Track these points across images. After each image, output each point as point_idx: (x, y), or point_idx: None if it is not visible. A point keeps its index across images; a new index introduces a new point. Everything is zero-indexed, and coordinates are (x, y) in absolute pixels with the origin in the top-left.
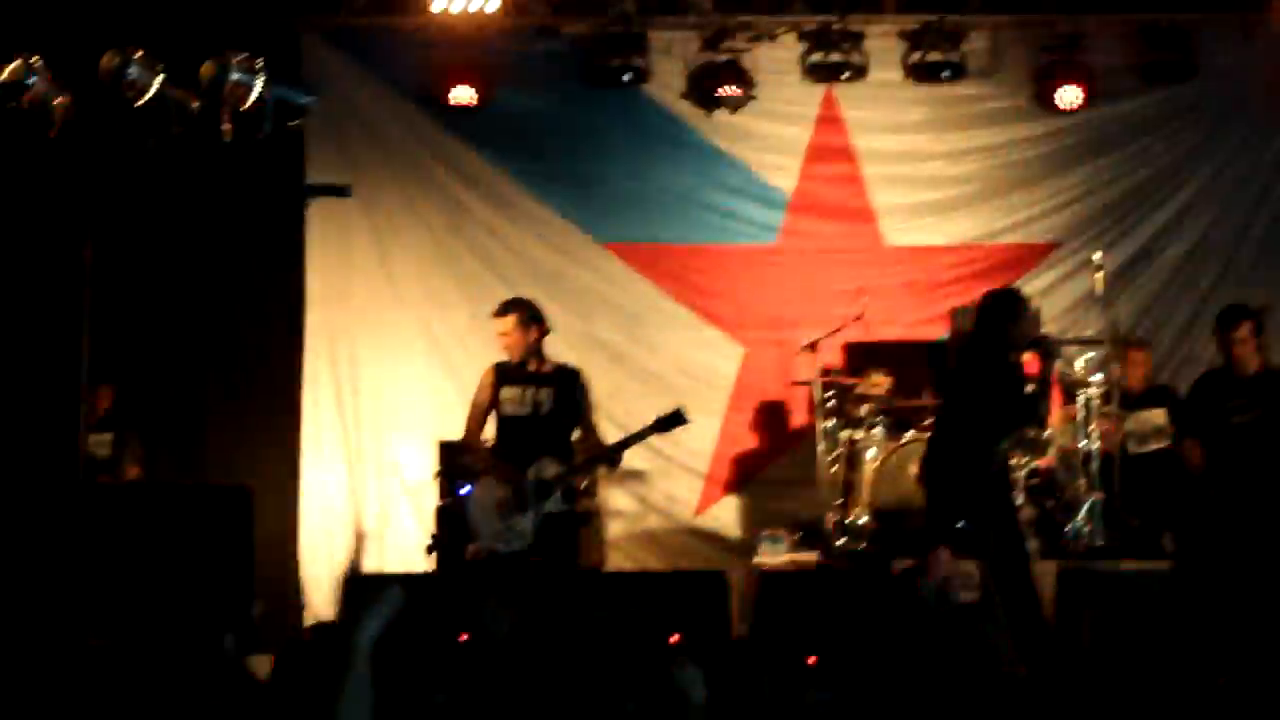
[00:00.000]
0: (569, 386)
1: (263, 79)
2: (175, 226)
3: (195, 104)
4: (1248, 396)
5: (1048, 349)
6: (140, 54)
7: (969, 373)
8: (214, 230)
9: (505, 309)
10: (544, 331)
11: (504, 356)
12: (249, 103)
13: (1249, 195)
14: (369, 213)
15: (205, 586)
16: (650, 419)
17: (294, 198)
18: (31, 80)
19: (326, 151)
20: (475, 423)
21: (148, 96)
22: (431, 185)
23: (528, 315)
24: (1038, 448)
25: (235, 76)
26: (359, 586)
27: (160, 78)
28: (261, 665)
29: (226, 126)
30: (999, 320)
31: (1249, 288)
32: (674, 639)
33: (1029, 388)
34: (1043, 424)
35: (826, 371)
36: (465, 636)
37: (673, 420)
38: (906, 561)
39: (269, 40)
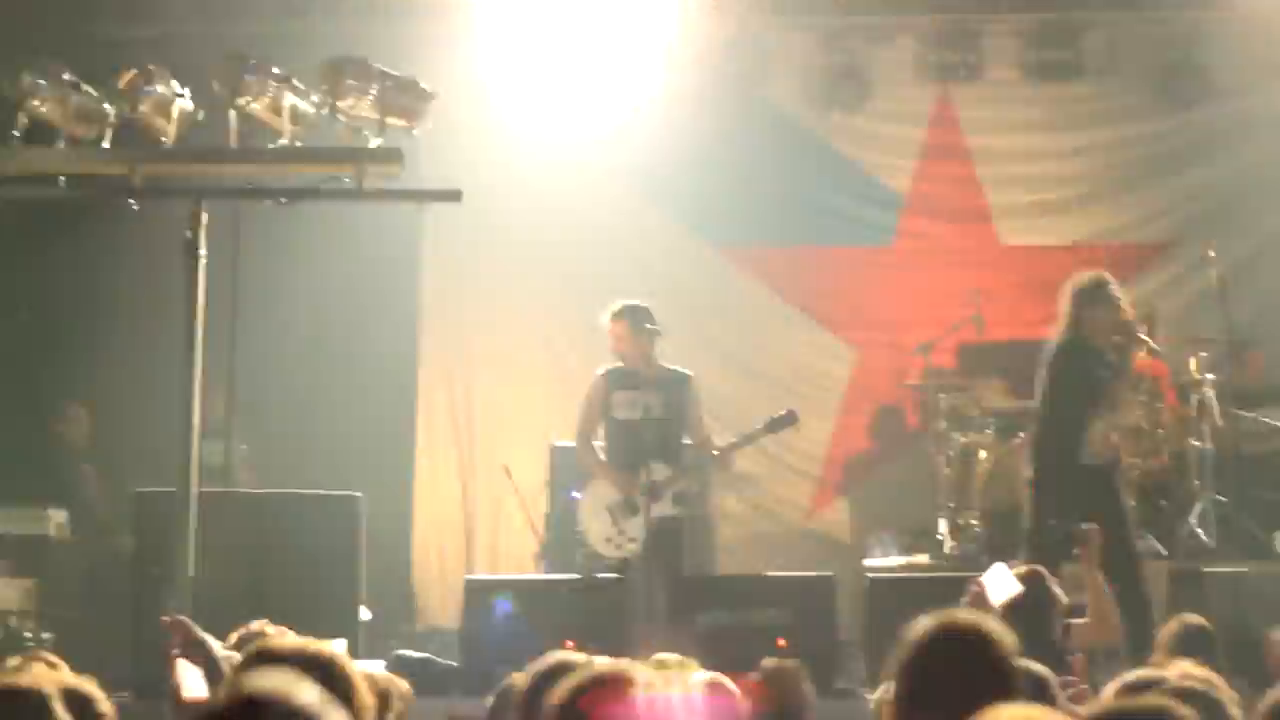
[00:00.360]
0: (679, 390)
1: (380, 81)
2: (290, 234)
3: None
4: None
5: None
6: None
7: (1051, 363)
8: (333, 235)
9: (618, 314)
10: (654, 336)
11: (616, 362)
12: (365, 108)
13: None
14: (482, 218)
15: (315, 593)
16: (761, 422)
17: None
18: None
19: (441, 155)
20: (587, 427)
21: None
22: (545, 190)
23: (639, 319)
24: (1147, 444)
25: (350, 82)
26: (478, 593)
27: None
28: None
29: None
30: (1075, 306)
31: None
32: (780, 643)
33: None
34: (1114, 410)
35: (939, 373)
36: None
37: (783, 422)
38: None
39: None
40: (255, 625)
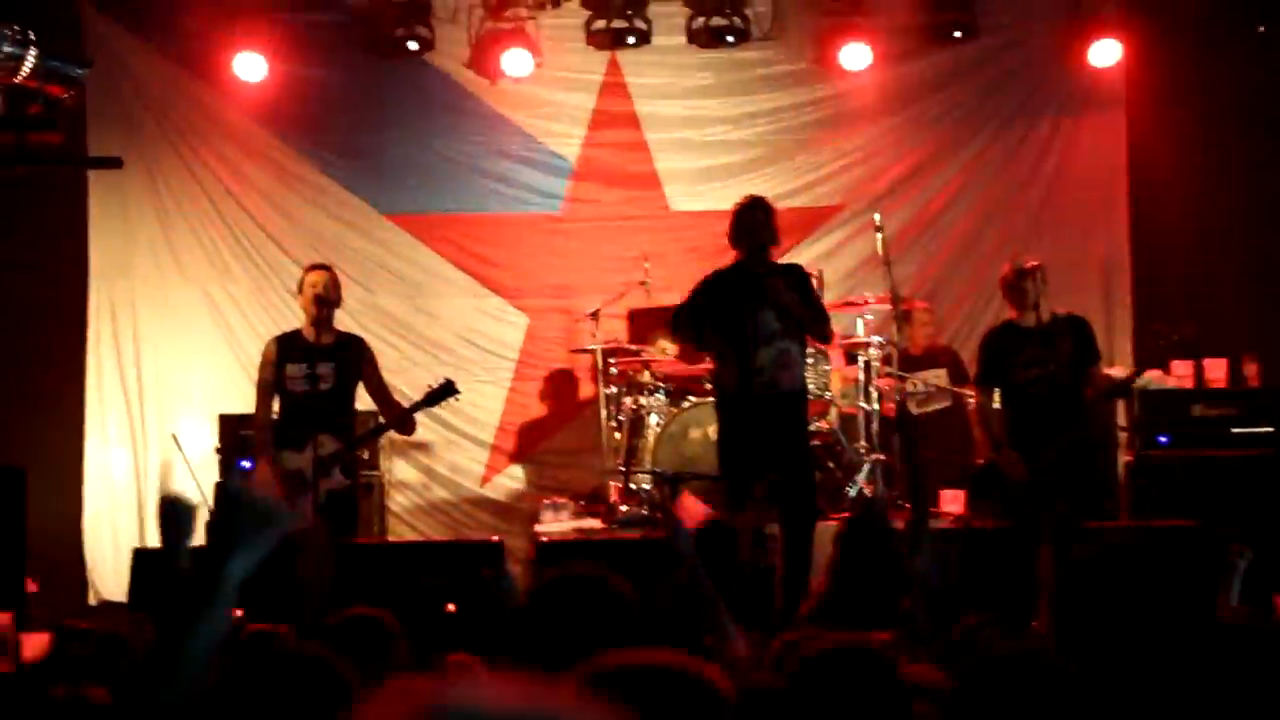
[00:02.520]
0: (352, 357)
1: (35, 51)
2: None
3: None
4: (1036, 348)
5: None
6: None
7: None
8: None
9: (322, 265)
10: (337, 302)
11: (285, 328)
12: (21, 75)
13: (1029, 156)
14: (150, 184)
15: None
16: (420, 394)
17: (74, 171)
18: None
19: (108, 123)
20: (262, 398)
21: None
22: (212, 156)
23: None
24: (815, 406)
25: (6, 49)
26: (145, 559)
27: None
28: (37, 643)
29: None
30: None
31: (1030, 248)
32: (450, 608)
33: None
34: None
35: (610, 338)
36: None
37: (443, 393)
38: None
39: (47, 11)
40: None
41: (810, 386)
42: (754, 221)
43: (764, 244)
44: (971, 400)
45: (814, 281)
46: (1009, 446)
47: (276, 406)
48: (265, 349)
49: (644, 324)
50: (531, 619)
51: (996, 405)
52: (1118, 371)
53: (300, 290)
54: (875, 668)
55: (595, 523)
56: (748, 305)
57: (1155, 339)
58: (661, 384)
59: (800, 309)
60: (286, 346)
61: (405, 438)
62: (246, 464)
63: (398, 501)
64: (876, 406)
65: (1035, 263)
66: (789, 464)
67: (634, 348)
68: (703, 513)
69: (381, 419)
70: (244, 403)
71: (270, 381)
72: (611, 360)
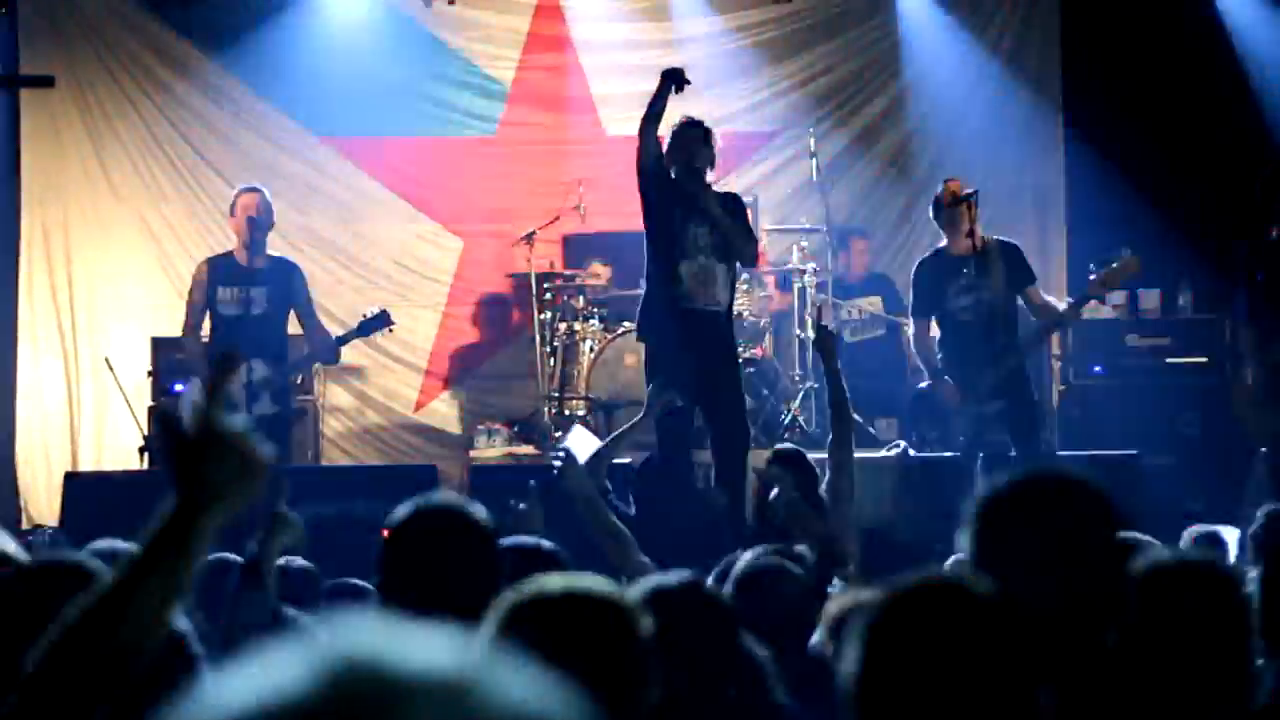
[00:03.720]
0: (284, 281)
1: None
2: None
3: None
4: (970, 275)
5: None
6: None
7: None
8: None
9: (254, 188)
10: (269, 225)
11: (218, 250)
12: None
13: (963, 84)
14: (82, 105)
15: None
16: (366, 313)
17: (5, 90)
18: None
19: (40, 42)
20: (191, 321)
21: None
22: (144, 76)
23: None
24: (750, 332)
25: None
26: (77, 487)
27: None
28: None
29: None
30: None
31: (965, 175)
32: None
33: None
34: None
35: (544, 263)
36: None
37: (377, 322)
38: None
39: None
40: None
41: (745, 312)
42: (689, 139)
43: (700, 165)
44: (908, 328)
45: (747, 208)
46: (945, 374)
47: (206, 329)
48: (197, 270)
49: (579, 249)
50: (397, 552)
51: (933, 334)
52: (1056, 302)
53: (232, 213)
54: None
55: (529, 448)
56: (679, 215)
57: (1101, 270)
58: (596, 310)
59: (730, 229)
60: (218, 269)
61: (336, 362)
62: (180, 386)
63: (332, 427)
64: (811, 333)
65: (971, 189)
66: (718, 388)
67: (569, 272)
68: (595, 445)
69: (307, 347)
70: (177, 326)
71: (200, 304)
72: (546, 285)
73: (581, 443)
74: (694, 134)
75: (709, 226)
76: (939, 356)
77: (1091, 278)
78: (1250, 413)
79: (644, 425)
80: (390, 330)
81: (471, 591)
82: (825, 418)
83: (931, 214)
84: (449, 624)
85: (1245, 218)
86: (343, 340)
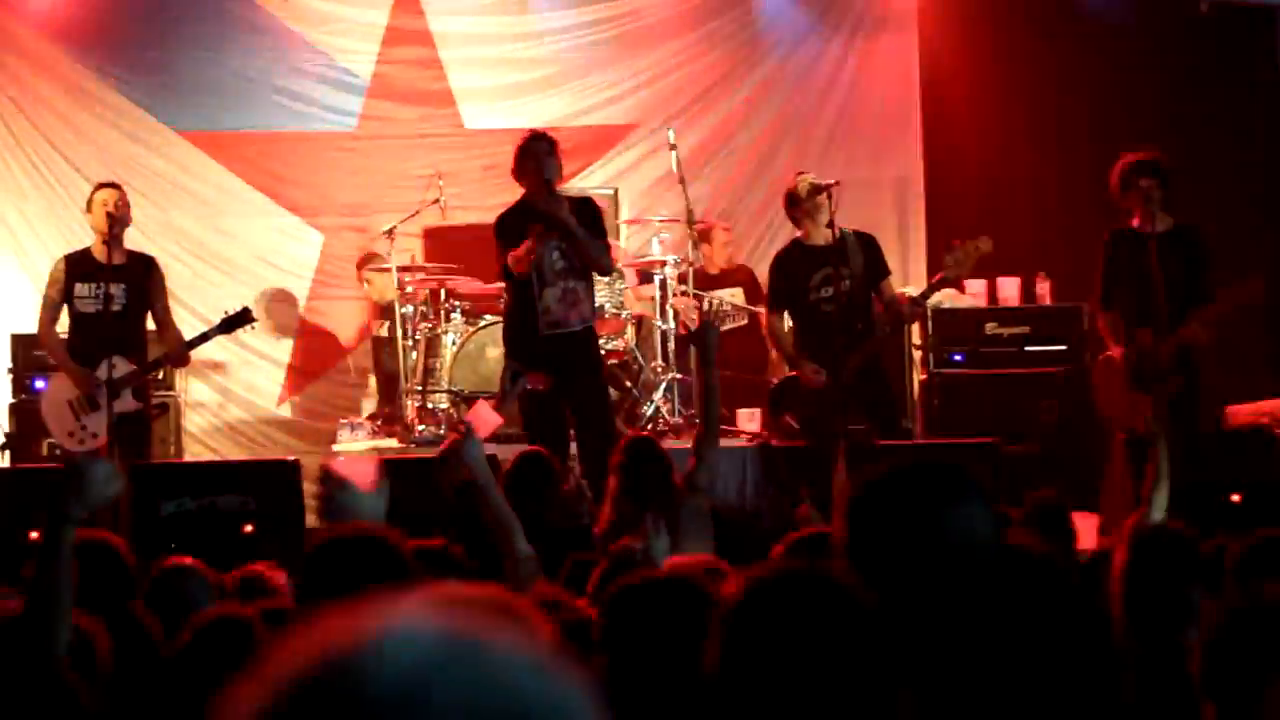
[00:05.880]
0: (141, 277)
1: None
2: None
3: None
4: (827, 267)
5: None
6: None
7: None
8: None
9: (112, 184)
10: (127, 221)
11: (78, 247)
12: None
13: (823, 75)
14: None
15: None
16: (227, 310)
17: None
18: None
19: None
20: (47, 317)
21: None
22: (1, 72)
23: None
24: (612, 324)
25: None
26: None
27: None
28: None
29: None
30: None
31: (824, 167)
32: (247, 529)
33: None
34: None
35: (403, 257)
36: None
37: (239, 320)
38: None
39: None
40: None
41: (606, 305)
42: (537, 154)
43: (549, 179)
44: (764, 320)
45: (602, 212)
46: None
47: (65, 326)
48: (54, 267)
49: (439, 242)
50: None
51: (787, 325)
52: (911, 291)
53: (89, 209)
54: (691, 596)
55: (392, 442)
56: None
57: (951, 253)
58: (458, 303)
59: (585, 244)
60: (76, 265)
61: (189, 363)
62: (40, 384)
63: (194, 422)
64: (672, 325)
65: (831, 180)
66: (583, 396)
67: (429, 266)
68: (497, 423)
69: (162, 349)
70: (36, 322)
71: (56, 301)
72: (407, 279)
73: (483, 419)
74: (540, 147)
75: (561, 248)
76: (795, 345)
77: (935, 278)
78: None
79: (504, 408)
80: (252, 327)
81: None
82: (687, 408)
83: (785, 205)
84: None
85: (1106, 207)
86: (199, 340)
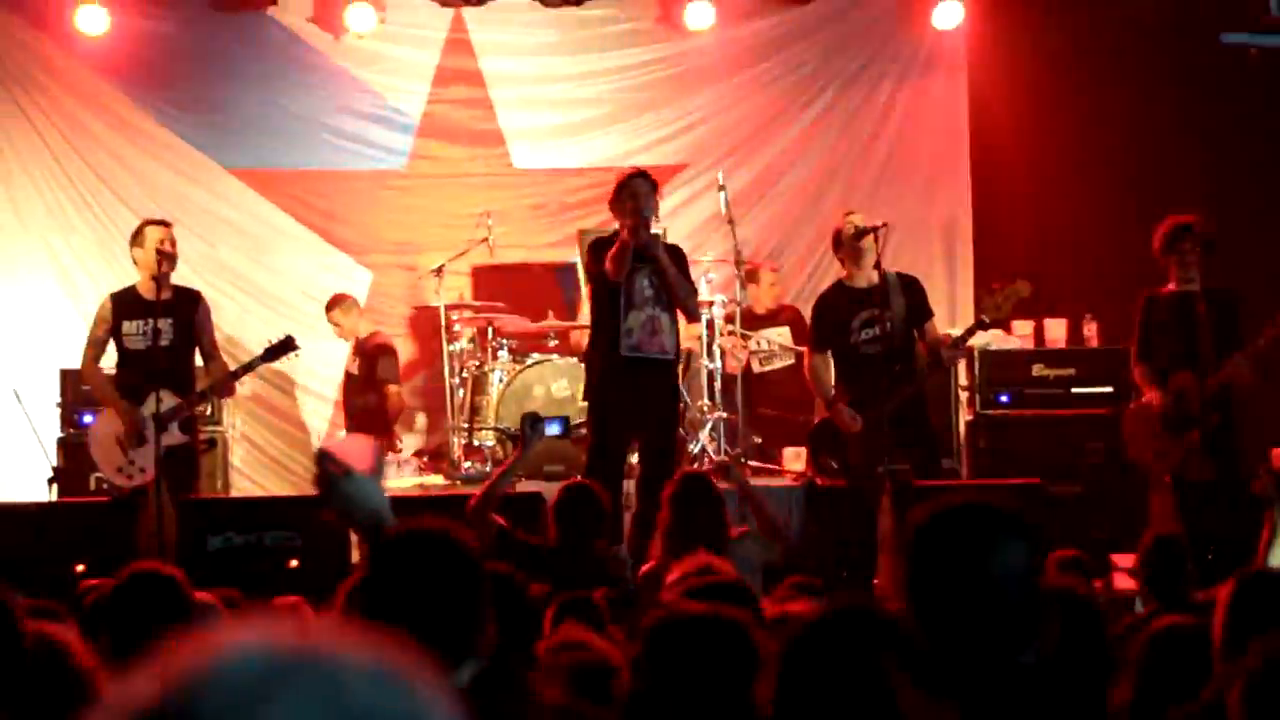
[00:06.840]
0: (188, 312)
1: None
2: None
3: None
4: (870, 309)
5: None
6: None
7: None
8: None
9: (162, 221)
10: (176, 258)
11: (124, 284)
12: None
13: (872, 117)
14: None
15: None
16: (260, 349)
17: None
18: None
19: None
20: (91, 354)
21: None
22: (53, 108)
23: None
24: None
25: None
26: None
27: None
28: None
29: None
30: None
31: (872, 208)
32: (292, 564)
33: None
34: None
35: (453, 295)
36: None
37: (283, 348)
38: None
39: None
40: None
41: None
42: (637, 191)
43: (645, 215)
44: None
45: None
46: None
47: (113, 363)
48: (100, 306)
49: (487, 281)
50: (377, 578)
51: (829, 366)
52: (955, 332)
53: (139, 243)
54: (731, 635)
55: (438, 478)
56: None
57: (991, 296)
58: (505, 341)
59: (676, 280)
60: (123, 304)
61: (235, 394)
62: (89, 419)
63: (241, 456)
64: (719, 364)
65: (878, 222)
66: (655, 428)
67: (477, 304)
68: (372, 448)
69: (208, 382)
70: (81, 359)
71: (102, 339)
72: (455, 317)
73: (354, 451)
74: (642, 184)
75: (652, 279)
76: (837, 385)
77: (974, 321)
78: (1149, 442)
79: (525, 458)
80: (296, 354)
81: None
82: (733, 447)
83: (832, 246)
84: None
85: (1152, 252)
86: (243, 370)
